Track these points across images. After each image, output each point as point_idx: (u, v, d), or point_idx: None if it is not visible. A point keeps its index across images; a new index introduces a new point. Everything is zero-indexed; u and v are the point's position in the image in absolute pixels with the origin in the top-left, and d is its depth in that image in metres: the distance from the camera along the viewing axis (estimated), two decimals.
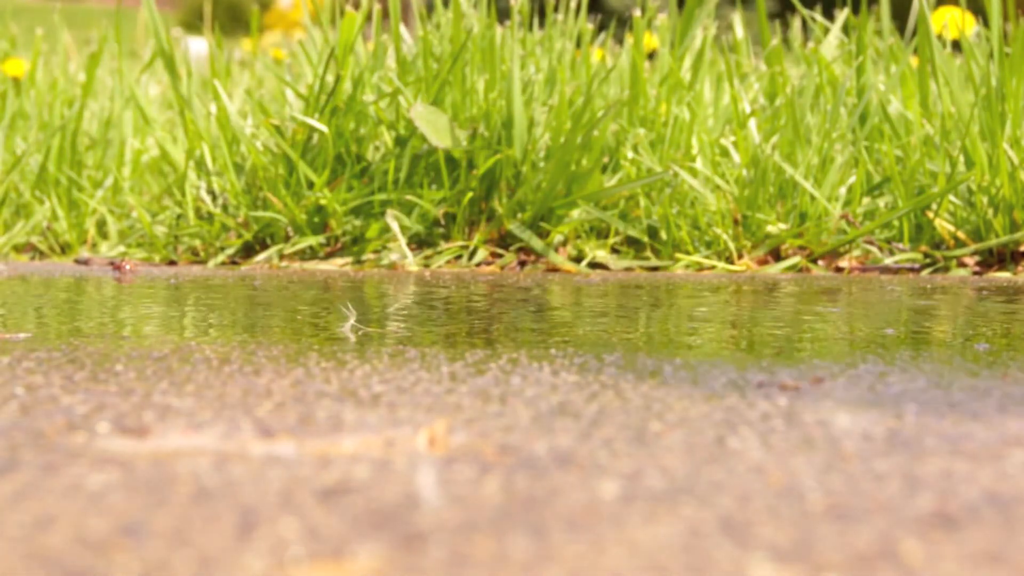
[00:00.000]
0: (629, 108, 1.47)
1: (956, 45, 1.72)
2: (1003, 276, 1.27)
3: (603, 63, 1.55)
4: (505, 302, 1.01)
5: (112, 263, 1.32)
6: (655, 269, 1.35)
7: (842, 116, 1.46)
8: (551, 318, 0.92)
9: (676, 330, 0.84)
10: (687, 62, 1.59)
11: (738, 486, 0.38)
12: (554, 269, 1.34)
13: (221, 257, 1.41)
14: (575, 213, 1.39)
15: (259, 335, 0.78)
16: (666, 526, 0.34)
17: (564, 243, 1.39)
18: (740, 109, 1.43)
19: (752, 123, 1.45)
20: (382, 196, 1.40)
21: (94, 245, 1.56)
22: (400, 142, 1.43)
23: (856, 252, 1.35)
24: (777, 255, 1.36)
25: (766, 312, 0.95)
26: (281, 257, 1.39)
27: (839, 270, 1.32)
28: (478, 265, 1.36)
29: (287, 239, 1.42)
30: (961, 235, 1.35)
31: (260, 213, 1.41)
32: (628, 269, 1.34)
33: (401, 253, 1.36)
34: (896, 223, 1.36)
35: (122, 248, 1.49)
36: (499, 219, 1.38)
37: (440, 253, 1.38)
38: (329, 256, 1.40)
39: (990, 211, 1.35)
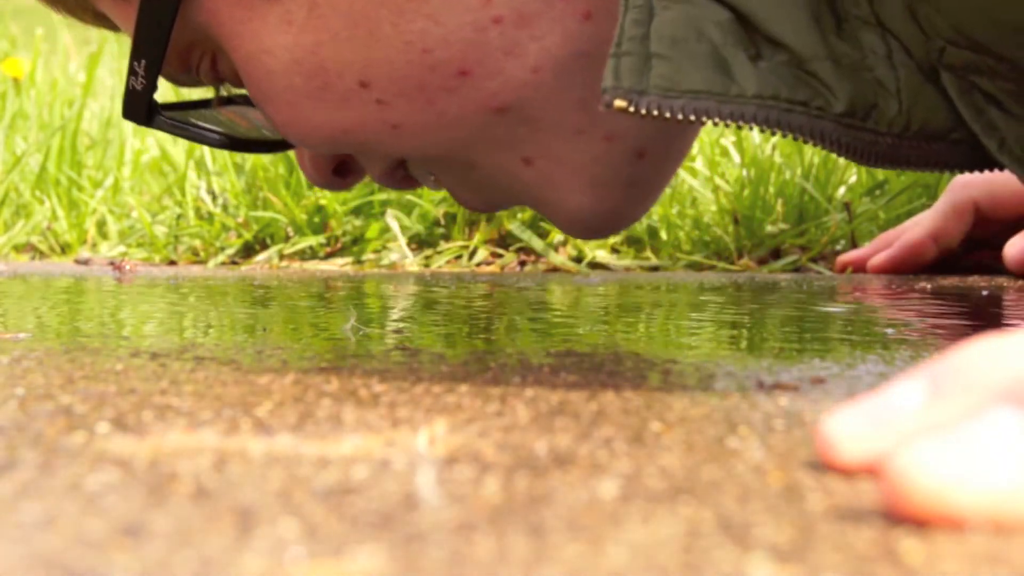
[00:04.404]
0: None
1: None
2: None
3: None
4: (505, 302, 1.01)
5: (112, 263, 1.31)
6: (655, 269, 1.35)
7: None
8: (551, 318, 0.92)
9: (676, 330, 0.84)
10: None
11: (738, 486, 0.38)
12: (554, 269, 1.34)
13: (221, 257, 1.41)
14: None
15: (259, 335, 0.78)
16: (665, 526, 0.34)
17: (564, 243, 1.39)
18: None
19: None
20: (382, 196, 1.40)
21: (94, 245, 1.56)
22: None
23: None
24: (777, 254, 1.36)
25: (766, 312, 0.95)
26: (281, 257, 1.39)
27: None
28: (478, 265, 1.36)
29: (287, 239, 1.42)
30: None
31: (260, 213, 1.41)
32: (628, 269, 1.34)
33: (401, 253, 1.36)
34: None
35: (122, 248, 1.49)
36: (499, 219, 1.38)
37: (440, 253, 1.38)
38: (329, 256, 1.40)
39: None
